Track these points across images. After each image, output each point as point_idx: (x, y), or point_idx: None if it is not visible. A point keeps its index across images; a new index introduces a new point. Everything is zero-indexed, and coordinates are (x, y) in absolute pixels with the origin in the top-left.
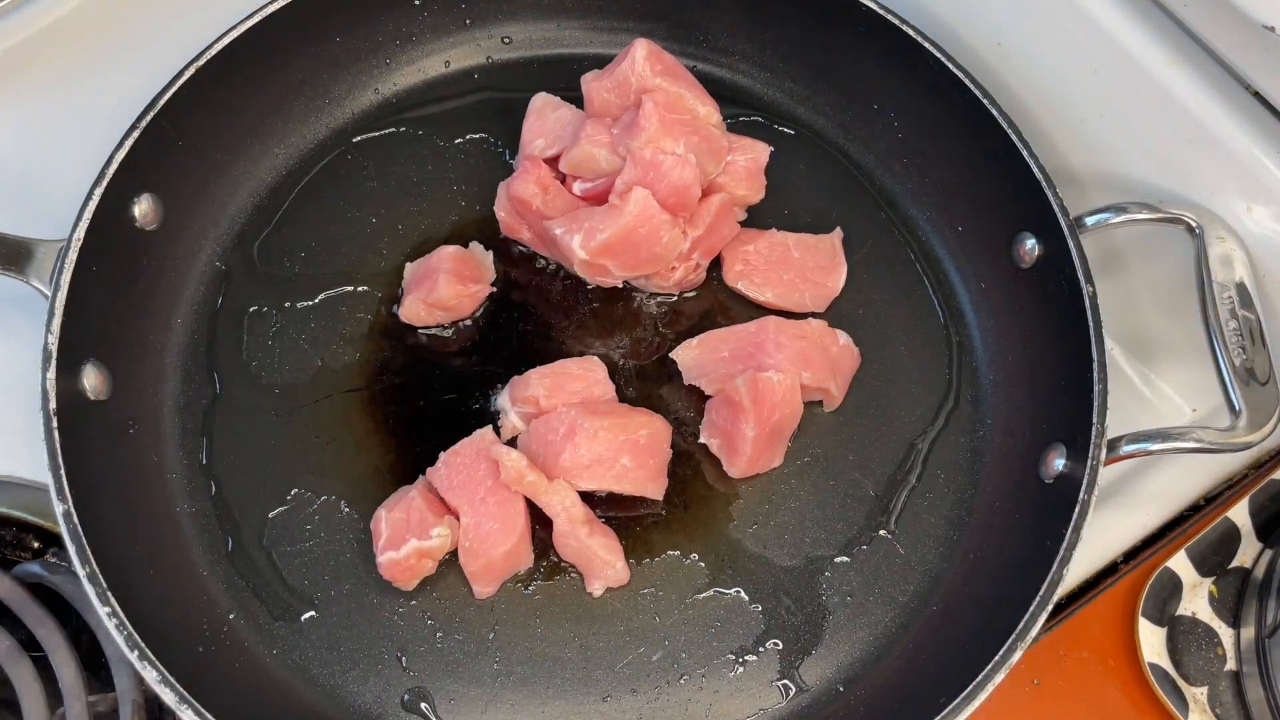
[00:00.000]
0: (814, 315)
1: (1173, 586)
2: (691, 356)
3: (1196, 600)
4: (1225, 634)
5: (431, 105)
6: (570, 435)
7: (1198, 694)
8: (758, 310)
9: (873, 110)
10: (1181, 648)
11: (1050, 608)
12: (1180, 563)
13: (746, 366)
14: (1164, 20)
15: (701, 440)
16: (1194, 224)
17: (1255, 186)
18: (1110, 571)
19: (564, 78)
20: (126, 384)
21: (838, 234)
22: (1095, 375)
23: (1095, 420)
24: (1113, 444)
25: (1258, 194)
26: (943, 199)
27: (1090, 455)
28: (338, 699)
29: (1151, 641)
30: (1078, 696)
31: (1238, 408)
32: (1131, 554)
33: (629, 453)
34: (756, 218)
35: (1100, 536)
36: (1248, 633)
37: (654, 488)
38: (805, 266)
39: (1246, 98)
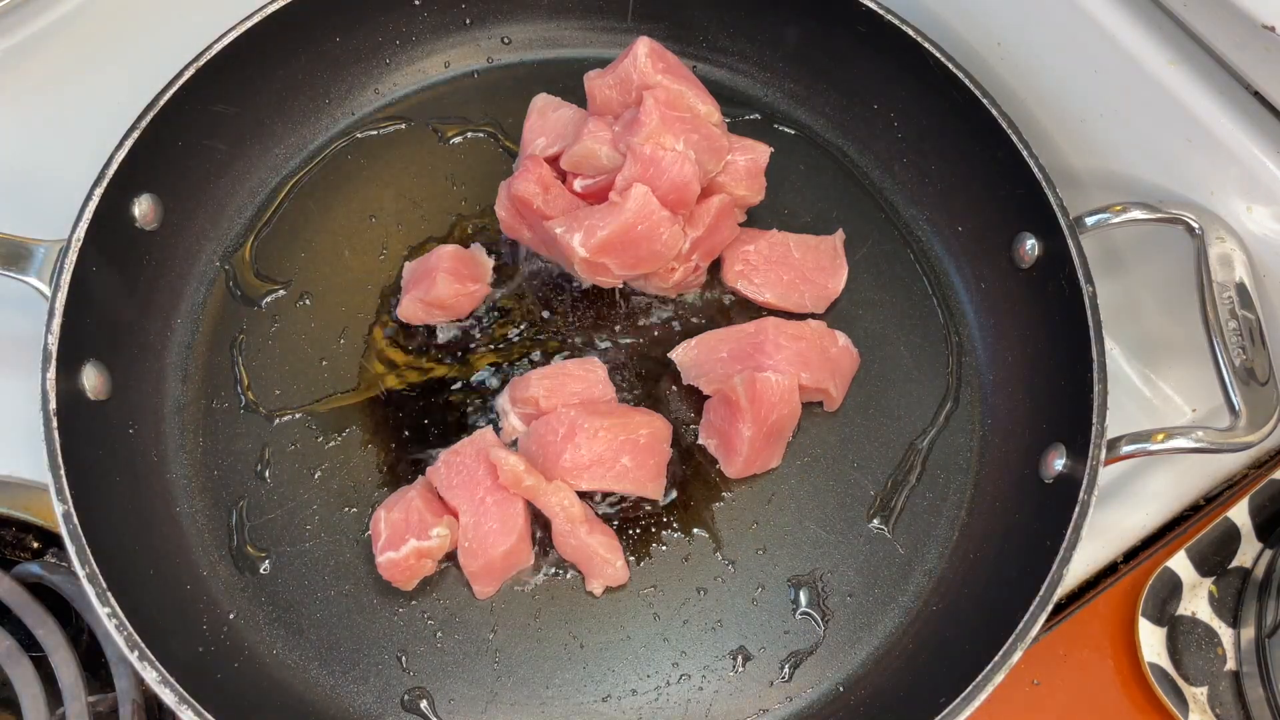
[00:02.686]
0: (813, 316)
1: (1173, 586)
2: (690, 356)
3: (1196, 600)
4: (1225, 634)
5: (432, 105)
6: (570, 436)
7: (1198, 694)
8: (758, 311)
9: (873, 110)
10: (1182, 647)
11: (1050, 607)
12: (1180, 563)
13: (745, 367)
14: (1164, 20)
15: (700, 441)
16: (1194, 224)
17: (1255, 186)
18: (1110, 571)
19: (564, 78)
20: (126, 384)
21: (839, 236)
22: (1095, 375)
23: (1095, 420)
24: (1112, 444)
25: (1258, 194)
26: (943, 199)
27: (1090, 455)
28: (337, 699)
29: (1151, 641)
30: (1078, 696)
31: (1237, 408)
32: (1132, 554)
33: (629, 453)
34: (756, 218)
35: (1100, 536)
36: (1248, 633)
37: (654, 487)
38: (805, 267)
39: (1247, 98)
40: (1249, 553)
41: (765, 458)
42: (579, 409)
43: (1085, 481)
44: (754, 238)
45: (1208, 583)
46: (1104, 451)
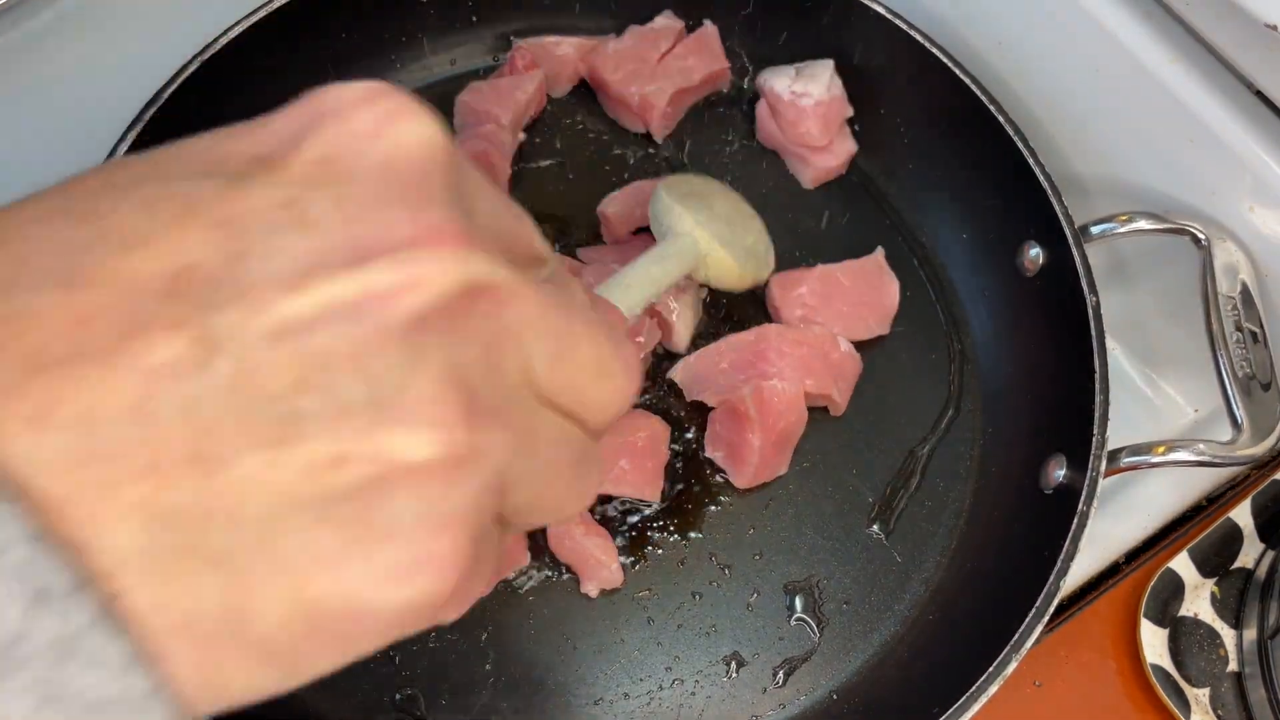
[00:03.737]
0: (879, 336)
1: (1174, 587)
2: (691, 373)
3: (1198, 601)
4: (1227, 635)
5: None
6: None
7: (1200, 695)
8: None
9: (879, 115)
10: (1184, 649)
11: (1047, 619)
12: (1182, 564)
13: (749, 376)
14: (1166, 19)
15: (707, 454)
16: (1200, 235)
17: (1257, 186)
18: (1112, 572)
19: None
20: None
21: (880, 252)
22: (1096, 386)
23: (1095, 432)
24: (1113, 455)
25: (1259, 194)
26: (947, 206)
27: (1090, 467)
28: (329, 698)
29: (1153, 643)
30: (1079, 698)
31: (1240, 421)
32: (1133, 555)
33: (626, 455)
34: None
35: (1102, 537)
36: (1250, 634)
37: (651, 490)
38: (859, 291)
39: (1249, 97)
40: (1251, 554)
41: (774, 466)
42: None
43: (1085, 493)
44: (802, 279)
45: (1210, 584)
46: (1104, 463)
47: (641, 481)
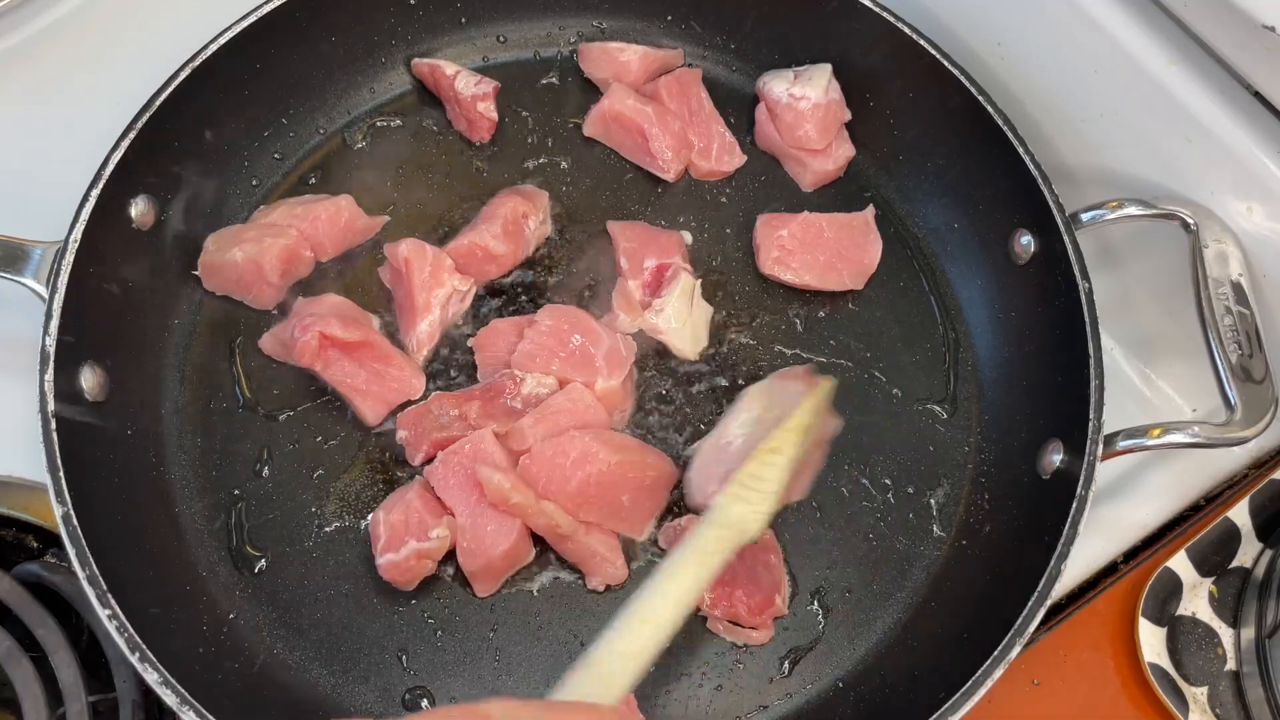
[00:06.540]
0: (853, 291)
1: (1173, 586)
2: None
3: (1197, 600)
4: (1225, 634)
5: (427, 105)
6: (582, 463)
7: (1198, 694)
8: (792, 294)
9: (869, 108)
10: (1182, 648)
11: (1048, 603)
12: (1180, 563)
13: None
14: (1164, 20)
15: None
16: (1189, 220)
17: (1255, 186)
18: (1110, 571)
19: (559, 76)
20: (124, 385)
21: (870, 211)
22: (1091, 371)
23: (1092, 416)
24: (1109, 439)
25: (1257, 193)
26: (939, 196)
27: (1087, 451)
28: (338, 699)
29: (1152, 641)
30: (1078, 696)
31: (1233, 403)
32: (1132, 554)
33: (630, 491)
34: (755, 211)
35: (1100, 536)
36: (1248, 633)
37: (639, 529)
38: (840, 245)
39: (1247, 98)
40: (1249, 553)
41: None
42: (593, 435)
43: (1083, 477)
44: (785, 221)
45: (1208, 583)
46: (1101, 447)
47: (635, 519)
